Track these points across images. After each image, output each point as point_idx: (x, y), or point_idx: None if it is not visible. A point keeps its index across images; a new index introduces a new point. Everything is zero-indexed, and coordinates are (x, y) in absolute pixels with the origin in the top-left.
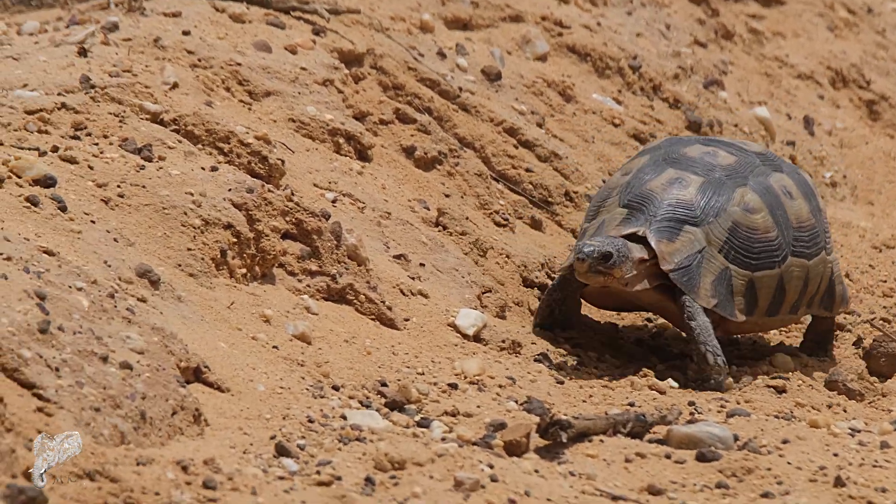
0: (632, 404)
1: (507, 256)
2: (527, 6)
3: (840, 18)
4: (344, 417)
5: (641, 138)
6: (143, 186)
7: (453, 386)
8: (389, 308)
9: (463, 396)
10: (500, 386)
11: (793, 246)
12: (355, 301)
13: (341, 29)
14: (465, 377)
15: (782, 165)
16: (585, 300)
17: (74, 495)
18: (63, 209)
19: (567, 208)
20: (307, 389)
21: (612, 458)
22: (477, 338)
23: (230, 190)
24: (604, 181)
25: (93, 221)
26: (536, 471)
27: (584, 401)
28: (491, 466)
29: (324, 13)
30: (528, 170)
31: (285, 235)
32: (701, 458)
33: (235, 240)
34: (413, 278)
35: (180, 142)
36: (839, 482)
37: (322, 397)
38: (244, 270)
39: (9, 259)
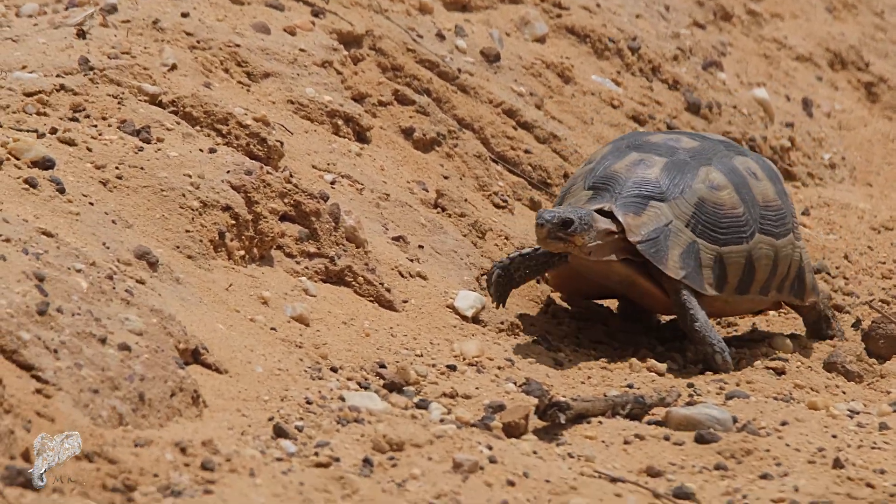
0: (630, 386)
1: (506, 238)
2: None
3: (838, 0)
4: (342, 399)
5: (640, 120)
6: (142, 168)
7: (452, 367)
8: (388, 290)
9: (461, 378)
10: (499, 367)
11: (760, 223)
12: (354, 283)
13: (340, 10)
14: (464, 359)
15: (746, 152)
16: (554, 286)
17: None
18: (62, 191)
19: None
20: (305, 371)
21: (610, 439)
22: (476, 319)
23: (228, 172)
24: None
25: (91, 203)
26: (535, 452)
27: (582, 382)
28: (489, 448)
29: None
30: (526, 151)
31: (284, 217)
32: (700, 439)
33: (234, 221)
34: (412, 260)
35: (179, 123)
36: (838, 464)
37: (320, 379)
38: (242, 252)
39: (7, 241)
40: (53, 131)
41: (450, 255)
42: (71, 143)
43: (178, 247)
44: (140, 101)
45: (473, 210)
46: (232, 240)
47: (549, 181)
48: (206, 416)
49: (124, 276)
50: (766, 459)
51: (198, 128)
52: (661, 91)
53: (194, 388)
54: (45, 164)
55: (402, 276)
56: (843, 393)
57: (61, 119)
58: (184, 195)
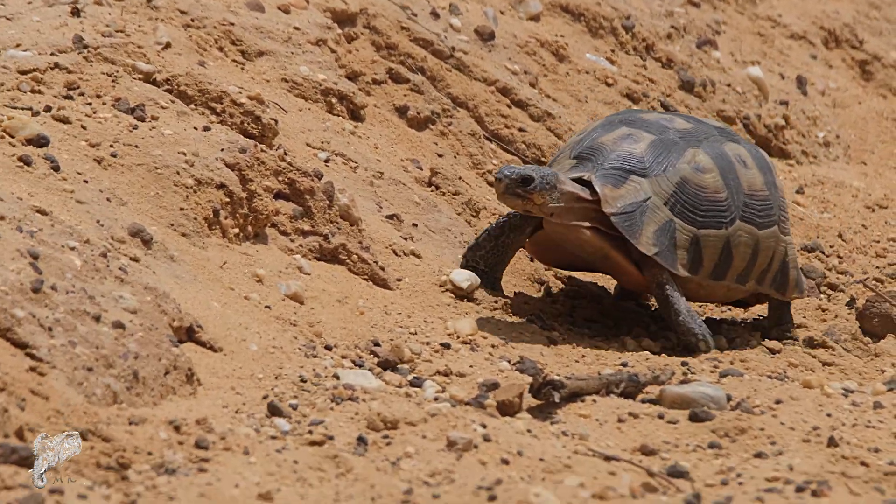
0: (624, 364)
1: (500, 216)
2: None
3: None
4: (336, 377)
5: (634, 98)
6: (136, 146)
7: (446, 346)
8: (382, 268)
9: (456, 356)
10: (493, 346)
11: (742, 211)
12: (348, 261)
13: None
14: (458, 337)
15: (740, 139)
16: (532, 253)
17: None
18: (56, 169)
19: None
20: (300, 349)
21: (604, 418)
22: (470, 298)
23: (223, 150)
24: None
25: (86, 181)
26: (529, 431)
27: (576, 361)
28: (484, 426)
29: None
30: (521, 129)
31: (278, 195)
32: (694, 418)
33: (228, 199)
34: (406, 238)
35: (173, 102)
36: (832, 442)
37: (314, 357)
38: (237, 230)
39: (2, 218)
40: (48, 109)
41: (444, 233)
42: (65, 120)
43: (172, 225)
44: (134, 79)
45: (467, 188)
46: (226, 217)
47: (543, 159)
48: (201, 395)
49: (118, 253)
50: (760, 438)
51: (192, 106)
52: (655, 69)
53: (188, 367)
54: (40, 141)
55: (397, 254)
56: (843, 373)
57: (56, 97)
58: (178, 173)
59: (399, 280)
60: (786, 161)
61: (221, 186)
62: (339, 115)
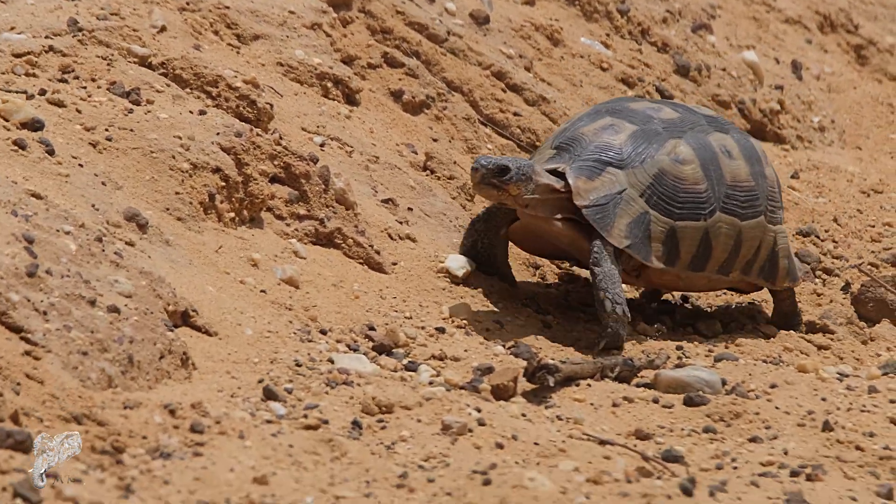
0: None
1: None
2: None
3: None
4: (331, 361)
5: (629, 82)
6: (131, 130)
7: (441, 330)
8: (377, 252)
9: (450, 340)
10: (488, 330)
11: (723, 202)
12: (343, 245)
13: None
14: (453, 321)
15: (730, 129)
16: (512, 241)
17: None
18: (51, 152)
19: None
20: (295, 333)
21: (599, 402)
22: (465, 282)
23: (218, 134)
24: None
25: (81, 165)
26: (524, 415)
27: (571, 345)
28: (478, 410)
29: None
30: (515, 114)
31: (273, 179)
32: (689, 402)
33: (224, 184)
34: (401, 222)
35: (168, 85)
36: (827, 427)
37: (310, 341)
38: (232, 214)
39: None
40: (42, 93)
41: (439, 217)
42: (60, 104)
43: (167, 209)
44: (129, 62)
45: (462, 173)
46: (222, 202)
47: (537, 144)
48: (196, 379)
49: (114, 238)
50: (755, 422)
51: (187, 90)
52: (650, 54)
53: (184, 351)
54: (35, 125)
55: (392, 238)
56: (839, 358)
57: (50, 80)
58: (173, 157)
59: (394, 264)
60: (781, 146)
61: (217, 170)
62: (334, 100)
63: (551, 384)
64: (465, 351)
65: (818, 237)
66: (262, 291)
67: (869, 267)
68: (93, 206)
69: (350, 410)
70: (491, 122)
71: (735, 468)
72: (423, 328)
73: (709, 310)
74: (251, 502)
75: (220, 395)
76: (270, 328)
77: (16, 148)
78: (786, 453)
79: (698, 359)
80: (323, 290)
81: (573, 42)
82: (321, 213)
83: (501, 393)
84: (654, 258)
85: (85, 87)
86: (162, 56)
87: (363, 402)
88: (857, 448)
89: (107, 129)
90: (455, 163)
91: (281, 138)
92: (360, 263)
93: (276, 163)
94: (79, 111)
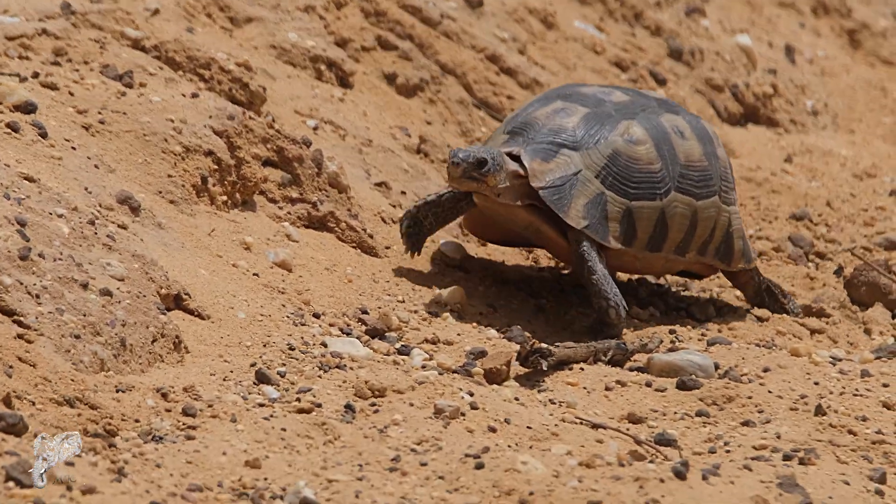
0: None
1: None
2: None
3: None
4: (324, 345)
5: (623, 66)
6: (124, 113)
7: (434, 314)
8: (371, 236)
9: (443, 324)
10: (481, 314)
11: (678, 182)
12: (336, 228)
13: None
14: (446, 305)
15: (681, 111)
16: (470, 232)
17: (54, 422)
18: (44, 135)
19: None
20: (288, 317)
21: (592, 386)
22: (458, 266)
23: (211, 117)
24: None
25: (73, 148)
26: (516, 398)
27: (564, 329)
28: (471, 394)
29: None
30: (509, 97)
31: (266, 162)
32: (682, 386)
33: (216, 167)
34: (394, 206)
35: (161, 68)
36: (820, 411)
37: (303, 325)
38: (225, 197)
39: None
40: (35, 75)
41: None
42: (53, 87)
43: (160, 192)
44: (122, 45)
45: None
46: (214, 185)
47: None
48: (188, 362)
49: (106, 221)
50: (748, 406)
51: (180, 73)
52: (643, 37)
53: (176, 334)
54: (27, 108)
55: (385, 221)
56: (834, 342)
57: (43, 63)
58: (166, 140)
59: (388, 248)
60: (774, 129)
61: (209, 153)
62: (327, 83)
63: (544, 368)
64: (458, 335)
65: (811, 221)
66: (254, 275)
67: (862, 251)
68: (85, 189)
69: (343, 394)
70: (485, 106)
71: (728, 452)
72: (415, 312)
73: (702, 294)
74: (243, 486)
75: (213, 379)
76: (263, 312)
77: (8, 131)
78: (778, 437)
79: (691, 343)
80: (316, 274)
81: (567, 25)
82: (314, 196)
83: (494, 377)
84: (611, 238)
85: (78, 70)
86: (155, 39)
87: (356, 385)
88: (850, 432)
89: (99, 112)
90: (449, 146)
91: (274, 121)
92: (353, 247)
93: (268, 146)
94: (72, 94)
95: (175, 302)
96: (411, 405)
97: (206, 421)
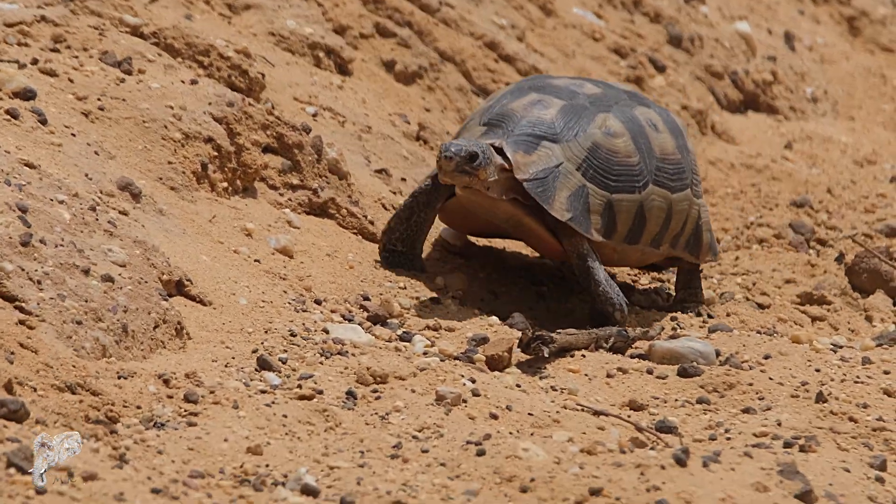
0: None
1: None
2: None
3: None
4: (326, 331)
5: (622, 53)
6: (124, 100)
7: (435, 300)
8: (371, 222)
9: (445, 311)
10: (482, 300)
11: (655, 175)
12: (337, 215)
13: None
14: (448, 291)
15: (650, 103)
16: (444, 222)
17: (56, 408)
18: (43, 122)
19: None
20: (289, 303)
21: (593, 373)
22: (460, 253)
23: (210, 104)
24: None
25: (73, 134)
26: (518, 385)
27: (565, 315)
28: (473, 381)
29: None
30: (508, 84)
31: (266, 149)
32: (683, 373)
33: (216, 153)
34: (394, 193)
35: (160, 55)
36: (821, 398)
37: (304, 311)
38: (225, 184)
39: None
40: (34, 62)
41: None
42: (52, 74)
43: (160, 178)
44: (121, 32)
45: None
46: (214, 171)
47: None
48: (190, 348)
49: (107, 207)
50: (748, 393)
51: (179, 59)
52: (642, 24)
53: (178, 320)
54: (27, 94)
55: (385, 208)
56: (835, 330)
57: (42, 50)
58: (166, 127)
59: None
60: (774, 117)
61: (209, 140)
62: (326, 70)
63: (546, 355)
64: (460, 321)
65: (812, 208)
66: (256, 261)
67: (862, 238)
68: (86, 175)
69: (344, 381)
70: (483, 93)
71: (728, 439)
72: (417, 298)
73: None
74: (245, 472)
75: (215, 365)
76: (265, 298)
77: (8, 117)
78: (779, 424)
79: (692, 330)
80: (317, 260)
81: (566, 12)
82: (314, 183)
83: (496, 363)
84: (594, 231)
85: (77, 57)
86: (154, 26)
87: (358, 372)
88: (851, 419)
89: (99, 99)
90: (448, 133)
91: (273, 108)
92: (354, 233)
93: (268, 133)
94: (71, 81)
95: (177, 288)
96: (413, 392)
97: (208, 407)
